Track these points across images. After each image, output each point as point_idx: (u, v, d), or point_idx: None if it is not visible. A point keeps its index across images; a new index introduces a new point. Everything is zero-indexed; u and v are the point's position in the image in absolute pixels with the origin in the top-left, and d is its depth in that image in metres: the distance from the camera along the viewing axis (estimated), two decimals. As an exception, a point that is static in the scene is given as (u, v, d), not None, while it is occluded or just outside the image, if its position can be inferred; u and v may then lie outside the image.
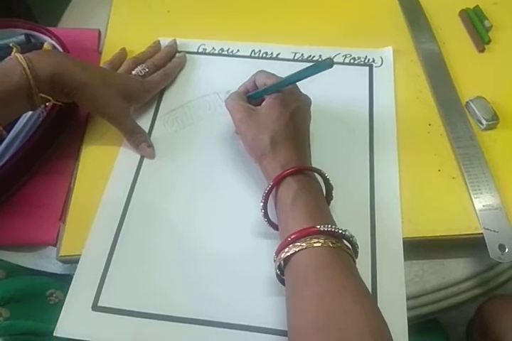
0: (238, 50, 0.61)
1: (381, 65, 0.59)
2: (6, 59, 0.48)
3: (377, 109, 0.55)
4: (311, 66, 0.43)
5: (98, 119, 0.55)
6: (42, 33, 0.59)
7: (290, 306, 0.38)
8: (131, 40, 0.62)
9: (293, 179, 0.42)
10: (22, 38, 0.59)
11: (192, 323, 0.42)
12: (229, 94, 0.49)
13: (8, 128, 0.52)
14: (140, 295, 0.44)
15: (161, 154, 0.53)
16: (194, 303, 0.43)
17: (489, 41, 0.61)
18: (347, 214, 0.46)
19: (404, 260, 0.45)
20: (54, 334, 0.42)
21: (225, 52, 0.61)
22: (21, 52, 0.46)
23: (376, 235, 0.46)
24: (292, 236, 0.38)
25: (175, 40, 0.62)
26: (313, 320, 0.34)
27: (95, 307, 0.43)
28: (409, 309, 0.43)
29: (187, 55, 0.61)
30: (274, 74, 0.48)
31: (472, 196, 0.48)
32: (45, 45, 0.58)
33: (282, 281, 0.40)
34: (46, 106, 0.52)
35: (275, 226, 0.44)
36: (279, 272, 0.40)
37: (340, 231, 0.38)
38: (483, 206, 0.48)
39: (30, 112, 0.52)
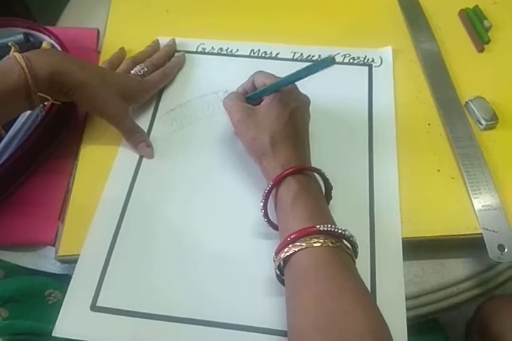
0: (237, 50, 0.61)
1: (380, 64, 0.59)
2: (4, 58, 0.48)
3: (376, 109, 0.55)
4: (312, 64, 0.43)
5: (97, 119, 0.55)
6: (40, 32, 0.59)
7: (290, 306, 0.38)
8: (130, 39, 0.62)
9: (293, 179, 0.42)
10: (20, 37, 0.59)
11: (191, 323, 0.42)
12: (227, 94, 0.49)
13: (7, 127, 0.52)
14: (139, 296, 0.44)
15: (159, 154, 0.53)
16: (193, 303, 0.43)
17: (488, 41, 0.61)
18: (346, 214, 0.46)
19: (404, 260, 0.45)
20: (52, 334, 0.42)
21: (224, 52, 0.61)
22: (20, 52, 0.46)
23: (375, 235, 0.46)
24: (292, 236, 0.38)
25: (174, 40, 0.61)
26: (313, 320, 0.34)
27: (94, 308, 0.43)
28: (408, 309, 0.43)
29: (186, 54, 0.61)
30: (272, 75, 0.48)
31: (471, 196, 0.48)
32: (44, 44, 0.58)
33: (282, 281, 0.40)
34: (45, 105, 0.51)
35: (275, 226, 0.44)
36: (278, 272, 0.40)
37: (340, 231, 0.38)
38: (483, 206, 0.48)
39: (28, 111, 0.52)
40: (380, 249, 0.45)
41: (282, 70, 0.47)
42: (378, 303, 0.36)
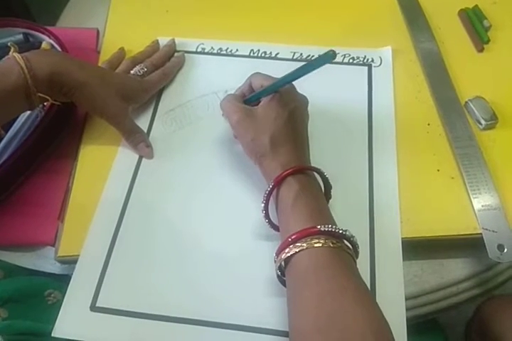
0: (237, 50, 0.61)
1: (380, 64, 0.59)
2: (3, 58, 0.47)
3: (376, 109, 0.55)
4: (313, 60, 0.42)
5: (96, 119, 0.55)
6: (40, 32, 0.59)
7: (291, 307, 0.38)
8: (130, 39, 0.62)
9: (294, 179, 0.41)
10: (20, 37, 0.58)
11: (190, 324, 0.42)
12: (225, 96, 0.49)
13: (7, 127, 0.52)
14: (138, 296, 0.44)
15: (159, 154, 0.53)
16: (193, 304, 0.43)
17: (488, 41, 0.61)
18: (346, 214, 0.46)
19: (403, 260, 0.45)
20: (52, 334, 0.42)
21: (224, 52, 0.61)
22: (19, 52, 0.46)
23: (375, 235, 0.46)
24: (293, 237, 0.38)
25: (173, 40, 0.61)
26: (314, 321, 0.34)
27: (93, 308, 0.43)
28: (408, 309, 0.43)
29: (186, 54, 0.61)
30: (270, 76, 0.48)
31: (471, 196, 0.48)
32: (44, 45, 0.58)
33: (283, 282, 0.40)
34: (44, 105, 0.51)
35: (276, 227, 0.44)
36: (279, 273, 0.40)
37: (340, 232, 0.38)
38: (482, 206, 0.48)
39: (28, 112, 0.52)
40: (379, 248, 0.45)
41: (282, 70, 0.47)
42: (378, 303, 0.36)
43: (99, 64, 0.58)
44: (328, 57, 0.40)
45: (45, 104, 0.51)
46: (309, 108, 0.48)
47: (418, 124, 0.54)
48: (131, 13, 0.67)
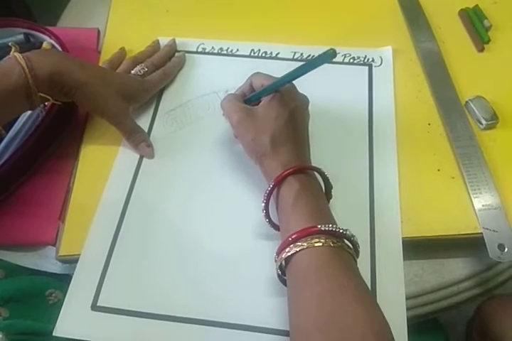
0: (237, 50, 0.61)
1: (380, 64, 0.59)
2: (4, 58, 0.47)
3: (376, 109, 0.55)
4: (313, 59, 0.42)
5: (97, 119, 0.55)
6: (41, 32, 0.59)
7: (291, 306, 0.38)
8: (131, 39, 0.62)
9: (294, 178, 0.42)
10: (21, 37, 0.59)
11: (192, 323, 0.42)
12: (225, 96, 0.49)
13: (7, 127, 0.52)
14: (139, 295, 0.44)
15: (160, 154, 0.53)
16: (194, 303, 0.43)
17: (488, 41, 0.61)
18: (346, 213, 0.46)
19: (404, 260, 0.45)
20: (53, 334, 0.42)
21: (225, 52, 0.61)
22: (20, 52, 0.46)
23: (375, 235, 0.46)
24: (293, 236, 0.38)
25: (174, 40, 0.61)
26: (314, 320, 0.34)
27: (94, 307, 0.43)
28: (408, 309, 0.43)
29: (186, 54, 0.61)
30: (270, 76, 0.48)
31: (471, 196, 0.48)
32: (44, 45, 0.58)
33: (283, 281, 0.40)
34: (45, 105, 0.51)
35: (276, 227, 0.44)
36: (280, 272, 0.40)
37: (341, 231, 0.38)
38: (483, 206, 0.48)
39: (29, 112, 0.52)
40: (380, 248, 0.46)
41: (282, 70, 0.47)
42: (378, 303, 0.36)
43: (100, 64, 0.58)
44: (328, 56, 0.40)
45: (46, 103, 0.51)
46: (310, 108, 0.48)
47: (418, 124, 0.54)
48: (131, 13, 0.67)
